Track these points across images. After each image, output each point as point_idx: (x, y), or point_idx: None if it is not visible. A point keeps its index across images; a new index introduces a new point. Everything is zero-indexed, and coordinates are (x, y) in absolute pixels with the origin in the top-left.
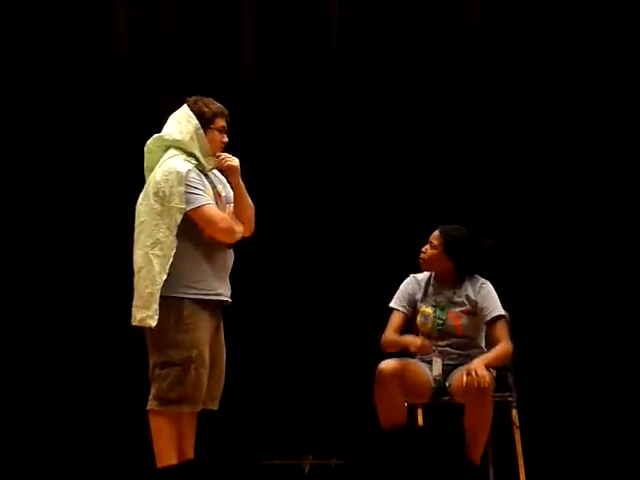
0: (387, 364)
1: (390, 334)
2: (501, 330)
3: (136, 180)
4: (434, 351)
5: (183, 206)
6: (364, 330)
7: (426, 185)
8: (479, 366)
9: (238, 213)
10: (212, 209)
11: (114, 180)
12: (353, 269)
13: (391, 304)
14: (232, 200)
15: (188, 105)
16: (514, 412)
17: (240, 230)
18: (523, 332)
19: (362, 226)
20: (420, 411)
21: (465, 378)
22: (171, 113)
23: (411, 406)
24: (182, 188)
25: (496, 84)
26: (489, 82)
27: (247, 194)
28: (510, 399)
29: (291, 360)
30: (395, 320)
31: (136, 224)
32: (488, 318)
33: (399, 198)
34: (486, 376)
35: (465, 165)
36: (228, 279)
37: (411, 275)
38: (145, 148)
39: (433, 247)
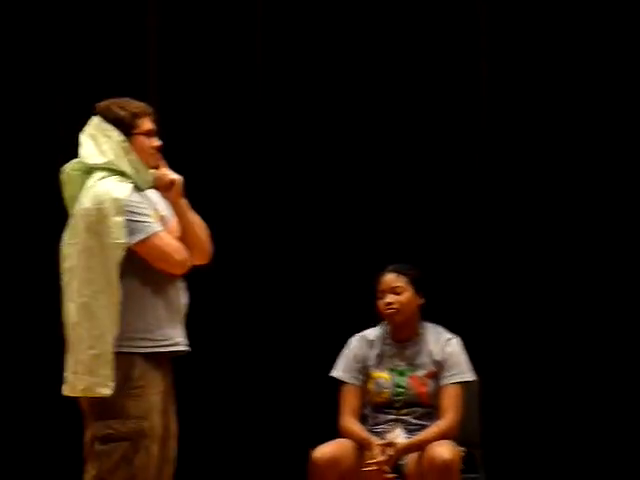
0: (322, 451)
1: (349, 422)
2: (451, 398)
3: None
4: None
5: (123, 240)
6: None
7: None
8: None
9: (182, 237)
10: (164, 238)
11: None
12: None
13: (337, 374)
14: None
15: (99, 113)
16: None
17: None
18: (494, 401)
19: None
20: None
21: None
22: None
23: None
24: (120, 218)
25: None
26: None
27: (193, 211)
28: None
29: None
30: (349, 399)
31: (63, 270)
32: (447, 382)
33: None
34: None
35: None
36: (184, 322)
37: (357, 335)
38: (61, 176)
39: (400, 291)
